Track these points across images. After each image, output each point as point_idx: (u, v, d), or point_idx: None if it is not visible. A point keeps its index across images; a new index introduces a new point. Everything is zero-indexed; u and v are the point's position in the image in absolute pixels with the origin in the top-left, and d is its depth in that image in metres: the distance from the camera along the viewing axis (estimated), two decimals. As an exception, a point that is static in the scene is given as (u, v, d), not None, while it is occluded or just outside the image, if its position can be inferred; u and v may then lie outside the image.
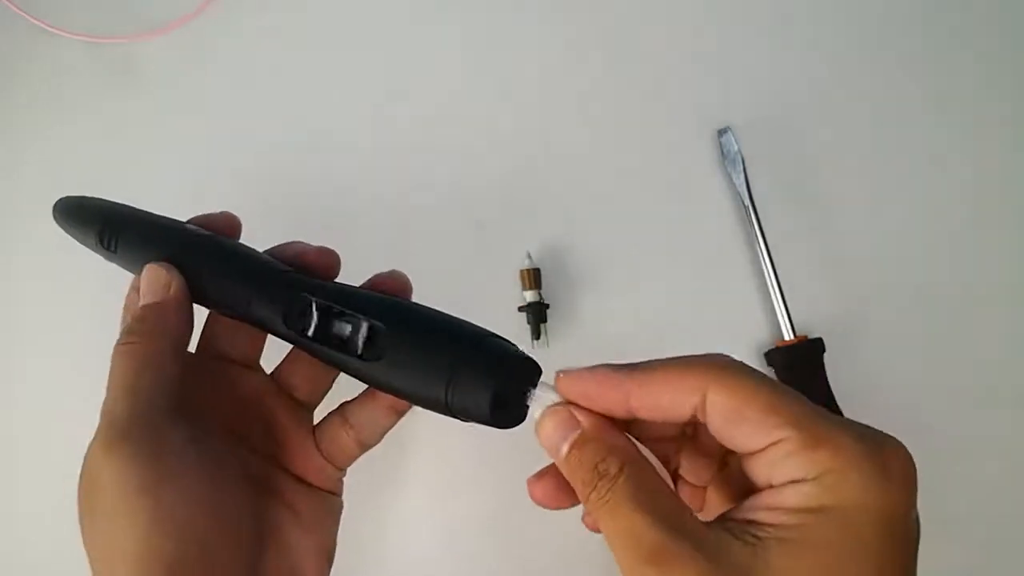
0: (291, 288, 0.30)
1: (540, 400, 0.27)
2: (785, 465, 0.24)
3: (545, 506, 0.29)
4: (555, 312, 0.46)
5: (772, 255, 0.46)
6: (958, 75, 0.49)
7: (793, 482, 0.23)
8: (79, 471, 0.29)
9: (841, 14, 0.50)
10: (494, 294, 0.46)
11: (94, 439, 0.28)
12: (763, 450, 0.24)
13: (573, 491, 0.27)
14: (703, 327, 0.46)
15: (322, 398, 0.36)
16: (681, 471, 0.30)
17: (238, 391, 0.34)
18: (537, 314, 0.45)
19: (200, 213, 0.33)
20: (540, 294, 0.45)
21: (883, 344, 0.46)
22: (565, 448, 0.26)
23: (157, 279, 0.31)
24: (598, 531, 0.26)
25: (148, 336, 0.30)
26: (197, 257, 0.31)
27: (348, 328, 0.28)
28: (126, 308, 0.33)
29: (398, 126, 0.48)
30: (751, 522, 0.24)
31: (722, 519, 0.25)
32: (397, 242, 0.46)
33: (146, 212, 0.34)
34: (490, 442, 0.45)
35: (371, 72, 0.49)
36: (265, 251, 0.32)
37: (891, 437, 0.24)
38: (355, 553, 0.43)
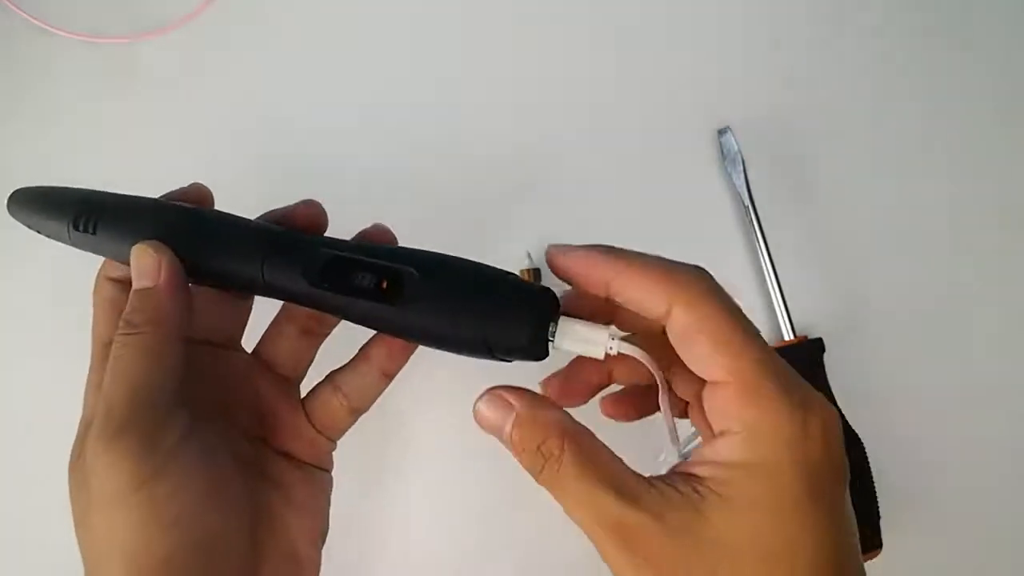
0: (307, 245, 0.29)
1: (564, 331, 0.27)
2: (721, 413, 0.25)
3: (615, 419, 0.32)
4: (555, 312, 0.46)
5: (772, 255, 0.46)
6: (958, 75, 0.49)
7: (724, 433, 0.25)
8: (69, 465, 0.29)
9: (841, 14, 0.50)
10: (494, 294, 0.46)
11: (90, 431, 0.27)
12: (708, 385, 0.26)
13: (636, 405, 0.30)
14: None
15: (306, 371, 0.35)
16: (672, 378, 0.30)
17: (222, 373, 0.33)
18: (537, 314, 0.45)
19: (142, 197, 0.32)
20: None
21: (883, 344, 0.46)
22: (507, 431, 0.27)
23: (147, 261, 0.29)
24: (616, 419, 0.31)
25: (146, 326, 0.28)
26: (192, 230, 0.30)
27: (374, 278, 0.28)
28: (101, 300, 0.32)
29: (397, 126, 0.48)
30: (693, 476, 0.25)
31: (671, 474, 0.26)
32: (397, 241, 0.46)
33: (120, 194, 0.32)
34: (487, 439, 0.45)
35: (371, 72, 0.49)
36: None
37: (821, 397, 0.25)
38: (354, 543, 0.43)
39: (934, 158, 0.49)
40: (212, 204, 0.34)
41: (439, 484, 0.45)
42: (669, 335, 0.26)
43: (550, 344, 0.27)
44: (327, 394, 0.34)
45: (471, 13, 0.50)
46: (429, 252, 0.29)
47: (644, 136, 0.48)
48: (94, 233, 0.30)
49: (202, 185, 0.33)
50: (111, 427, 0.27)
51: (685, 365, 0.27)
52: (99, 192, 0.32)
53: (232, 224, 0.30)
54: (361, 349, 0.34)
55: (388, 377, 0.34)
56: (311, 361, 0.35)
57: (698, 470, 0.25)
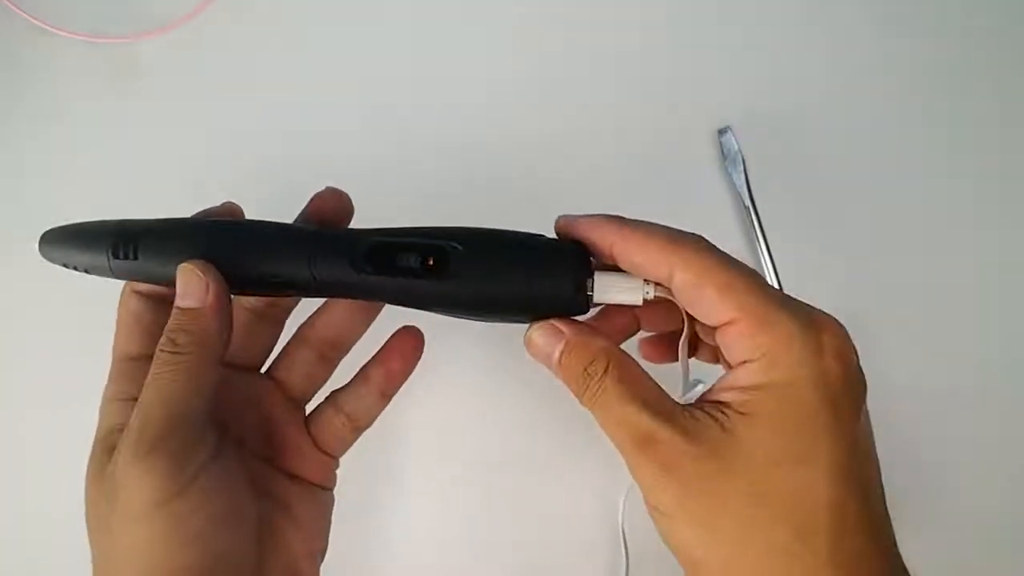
0: (349, 237, 0.30)
1: (602, 283, 0.30)
2: (737, 347, 0.27)
3: (652, 361, 0.35)
4: (555, 312, 0.46)
5: (772, 255, 0.46)
6: (958, 74, 0.49)
7: (744, 363, 0.27)
8: (86, 476, 0.30)
9: (841, 14, 0.50)
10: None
11: (123, 444, 0.28)
12: (721, 327, 0.28)
13: (671, 348, 0.32)
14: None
15: (314, 394, 0.36)
16: (697, 329, 0.32)
17: (239, 394, 0.34)
18: (538, 314, 0.45)
19: (176, 218, 0.32)
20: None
21: (883, 344, 0.46)
22: (556, 356, 0.29)
23: (194, 281, 0.29)
24: (653, 361, 0.34)
25: (190, 347, 0.29)
26: (235, 241, 0.30)
27: (419, 257, 0.30)
28: (126, 314, 0.32)
29: (399, 125, 0.48)
30: (719, 402, 0.27)
31: (699, 401, 0.28)
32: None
33: (152, 218, 0.32)
34: (487, 441, 0.45)
35: (371, 72, 0.49)
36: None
37: (827, 315, 0.28)
38: (348, 549, 0.43)
39: (934, 157, 0.49)
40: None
41: (436, 491, 0.45)
42: (676, 293, 0.28)
43: (590, 298, 0.30)
44: (330, 415, 0.35)
45: (471, 13, 0.50)
46: (461, 227, 0.31)
47: (644, 136, 0.48)
48: (135, 258, 0.30)
49: (234, 203, 0.34)
50: (145, 443, 0.28)
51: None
52: (131, 219, 0.32)
53: (273, 229, 0.31)
54: (360, 370, 0.35)
55: (387, 397, 0.35)
56: (322, 385, 0.36)
57: (723, 396, 0.27)
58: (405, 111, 0.48)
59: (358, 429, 0.35)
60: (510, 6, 0.50)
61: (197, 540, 0.28)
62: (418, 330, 0.36)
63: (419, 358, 0.36)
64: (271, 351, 0.36)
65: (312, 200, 0.33)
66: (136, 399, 0.30)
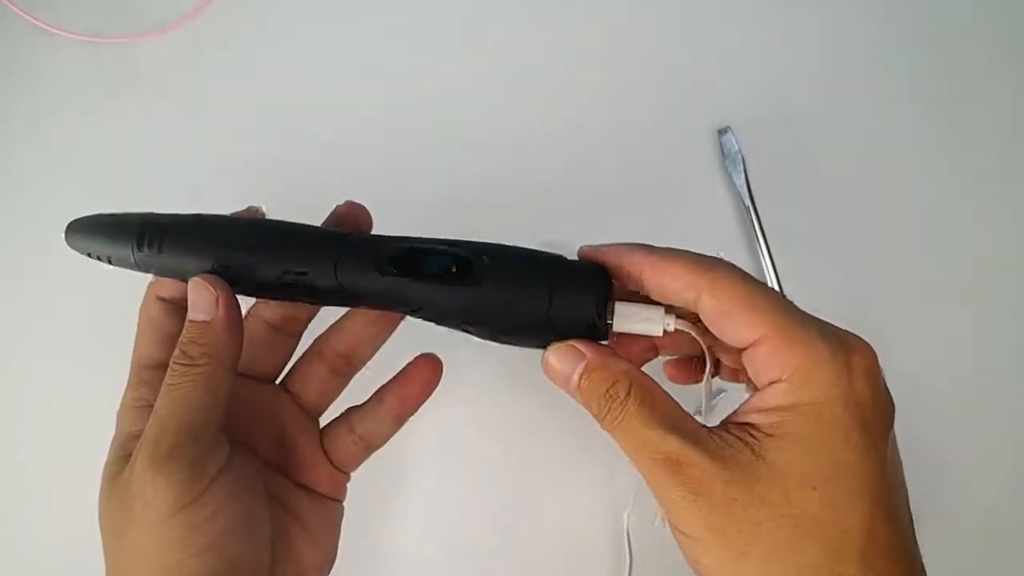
0: (373, 242, 0.30)
1: (622, 312, 0.30)
2: (765, 367, 0.27)
3: (676, 382, 0.34)
4: (555, 312, 0.46)
5: (772, 255, 0.46)
6: (958, 73, 0.49)
7: (771, 383, 0.27)
8: (102, 481, 0.30)
9: (841, 14, 0.50)
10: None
11: (140, 453, 0.28)
12: (748, 348, 0.27)
13: (694, 370, 0.32)
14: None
15: (327, 407, 0.36)
16: (717, 351, 0.32)
17: (254, 405, 0.34)
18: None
19: (202, 214, 0.33)
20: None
21: (883, 344, 0.46)
22: (575, 379, 0.29)
23: (204, 295, 0.30)
24: (679, 382, 0.33)
25: (203, 359, 0.29)
26: (260, 239, 0.30)
27: (444, 264, 0.30)
28: (147, 320, 0.32)
29: (399, 126, 0.48)
30: (747, 424, 0.27)
31: (725, 423, 0.28)
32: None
33: (180, 213, 0.32)
34: (491, 447, 0.45)
35: (371, 72, 0.49)
36: None
37: (855, 336, 0.28)
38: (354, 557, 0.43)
39: (935, 158, 0.49)
40: None
41: (440, 499, 0.45)
42: (702, 317, 0.28)
43: (610, 326, 0.29)
44: (343, 434, 0.35)
45: (471, 14, 0.50)
46: (483, 242, 0.31)
47: (644, 136, 0.48)
48: (160, 251, 0.30)
49: (257, 208, 0.34)
50: (161, 452, 0.28)
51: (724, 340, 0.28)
52: (158, 213, 0.32)
53: (300, 229, 0.31)
54: (376, 393, 0.36)
55: (400, 422, 0.36)
56: (336, 396, 0.36)
57: (750, 418, 0.27)
58: (404, 110, 0.48)
59: (369, 449, 0.36)
60: (510, 7, 0.50)
61: (211, 547, 0.28)
62: (437, 359, 0.36)
63: (436, 386, 0.36)
64: (287, 363, 0.36)
65: (332, 213, 0.33)
66: (152, 406, 0.30)
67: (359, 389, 0.37)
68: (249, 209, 0.33)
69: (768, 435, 0.26)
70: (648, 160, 0.48)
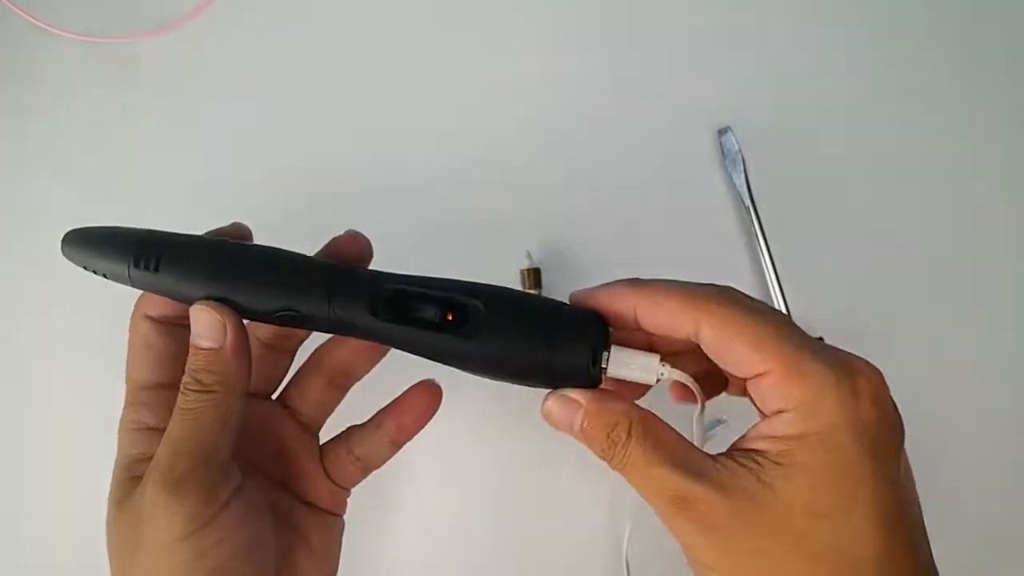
0: (370, 279, 0.30)
1: (617, 359, 0.29)
2: (771, 397, 0.27)
3: (682, 402, 0.33)
4: (555, 312, 0.46)
5: (772, 255, 0.46)
6: (958, 73, 0.49)
7: (779, 412, 0.26)
8: (109, 503, 0.30)
9: (841, 14, 0.50)
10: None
11: (152, 476, 0.28)
12: (753, 379, 0.27)
13: (696, 391, 0.31)
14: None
15: (325, 420, 0.37)
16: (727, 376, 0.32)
17: (254, 421, 0.34)
18: (537, 314, 0.45)
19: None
20: (541, 294, 0.45)
21: (883, 344, 0.46)
22: (577, 427, 0.29)
23: (211, 321, 0.29)
24: (686, 402, 0.32)
25: (216, 386, 0.29)
26: (256, 269, 0.30)
27: (440, 310, 0.29)
28: (137, 340, 0.32)
29: (399, 126, 0.48)
30: (753, 451, 0.27)
31: (730, 450, 0.28)
32: (398, 241, 0.46)
33: (178, 232, 0.31)
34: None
35: (372, 72, 0.49)
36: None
37: (861, 360, 0.27)
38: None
39: (935, 158, 0.49)
40: (250, 239, 0.34)
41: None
42: (704, 349, 0.28)
43: (604, 371, 0.29)
44: (342, 453, 0.36)
45: (471, 14, 0.50)
46: (483, 284, 0.30)
47: (644, 136, 0.48)
48: (156, 271, 0.30)
49: (242, 224, 0.34)
50: (175, 476, 0.28)
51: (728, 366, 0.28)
52: (157, 231, 0.31)
53: (296, 261, 0.31)
54: (374, 417, 0.36)
55: (398, 446, 0.36)
56: (333, 411, 0.36)
57: (757, 444, 0.27)
58: (404, 110, 0.48)
59: (368, 470, 0.36)
60: (509, 8, 0.50)
61: (219, 571, 0.29)
62: (437, 386, 0.36)
63: (434, 413, 0.36)
64: (283, 379, 0.36)
65: (330, 244, 0.33)
66: (152, 427, 0.31)
67: (358, 398, 0.37)
68: (234, 225, 0.33)
69: (776, 463, 0.26)
70: (648, 160, 0.48)
